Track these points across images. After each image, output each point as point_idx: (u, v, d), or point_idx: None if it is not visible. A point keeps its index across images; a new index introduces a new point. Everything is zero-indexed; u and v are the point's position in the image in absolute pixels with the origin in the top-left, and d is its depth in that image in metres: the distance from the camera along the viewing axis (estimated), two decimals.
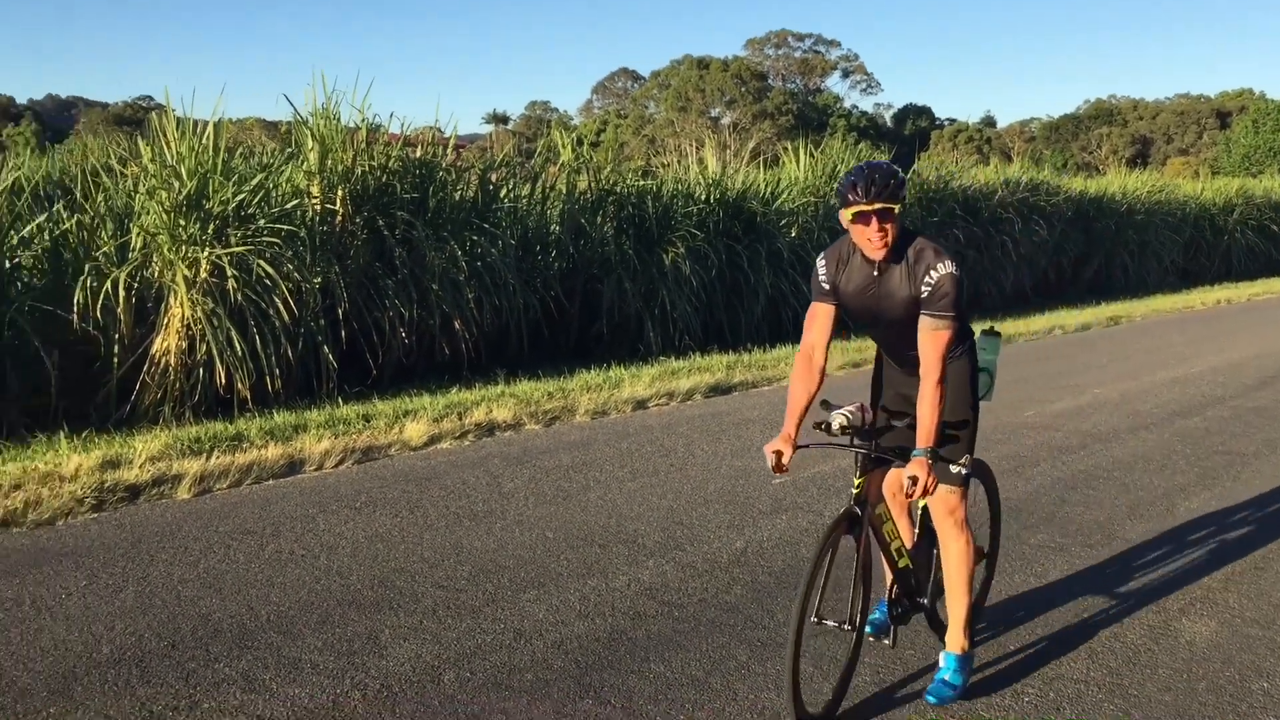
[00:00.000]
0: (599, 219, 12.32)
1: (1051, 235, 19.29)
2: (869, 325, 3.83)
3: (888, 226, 3.45)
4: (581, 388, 9.39)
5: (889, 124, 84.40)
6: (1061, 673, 4.00)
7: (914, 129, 79.38)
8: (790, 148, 16.19)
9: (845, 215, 3.48)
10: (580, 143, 14.24)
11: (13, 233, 8.65)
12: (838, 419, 3.55)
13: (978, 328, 4.04)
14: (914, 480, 3.38)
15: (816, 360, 3.72)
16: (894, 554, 3.77)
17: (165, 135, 9.10)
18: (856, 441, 3.58)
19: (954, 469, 3.69)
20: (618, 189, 12.63)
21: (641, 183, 13.13)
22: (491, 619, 4.34)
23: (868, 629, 3.83)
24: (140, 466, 6.51)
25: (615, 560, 5.08)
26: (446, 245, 10.23)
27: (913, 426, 3.53)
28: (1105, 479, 6.79)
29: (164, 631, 4.14)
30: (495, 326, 10.77)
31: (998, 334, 4.08)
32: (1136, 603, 4.71)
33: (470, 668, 3.88)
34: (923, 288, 3.49)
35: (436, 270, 10.06)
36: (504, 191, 11.84)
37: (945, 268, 3.48)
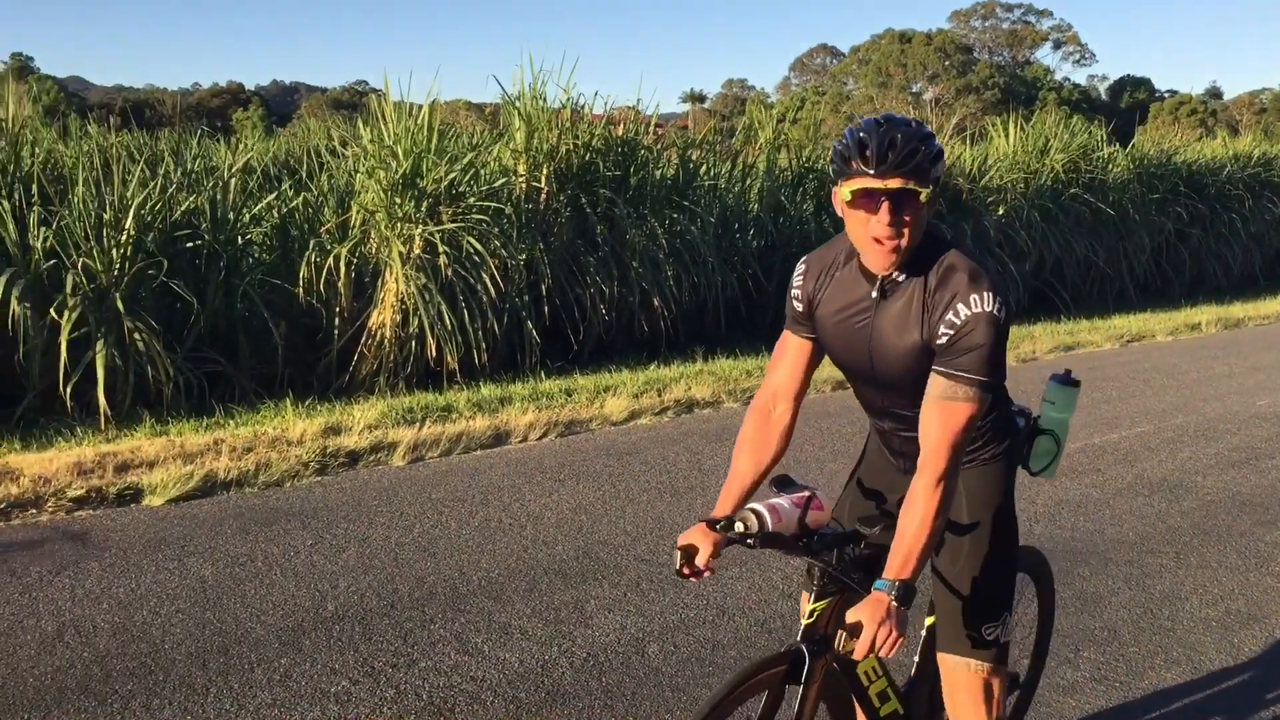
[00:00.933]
0: (798, 196, 12.19)
1: None
2: (855, 378, 2.52)
3: (907, 219, 2.20)
4: None
5: (1104, 97, 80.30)
6: None
7: (1131, 102, 75.24)
8: (999, 122, 15.62)
9: (841, 193, 2.24)
10: (781, 119, 14.10)
11: (245, 210, 9.20)
12: (742, 518, 2.30)
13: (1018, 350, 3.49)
14: (855, 630, 2.07)
15: (779, 417, 2.52)
16: (873, 700, 2.59)
17: (383, 117, 9.48)
18: (815, 551, 2.29)
19: (987, 632, 2.43)
20: (818, 166, 12.45)
21: None
22: (694, 594, 4.36)
23: None
24: (359, 434, 6.84)
25: None
26: (646, 223, 10.32)
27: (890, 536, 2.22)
28: None
29: (383, 591, 4.33)
30: (693, 304, 10.80)
31: (1076, 383, 2.80)
32: None
33: (674, 641, 3.91)
34: (940, 329, 2.23)
35: (637, 247, 10.16)
36: (703, 170, 11.86)
37: (981, 302, 2.20)
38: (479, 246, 9.00)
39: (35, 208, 7.88)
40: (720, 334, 11.03)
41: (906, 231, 2.22)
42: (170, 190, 8.46)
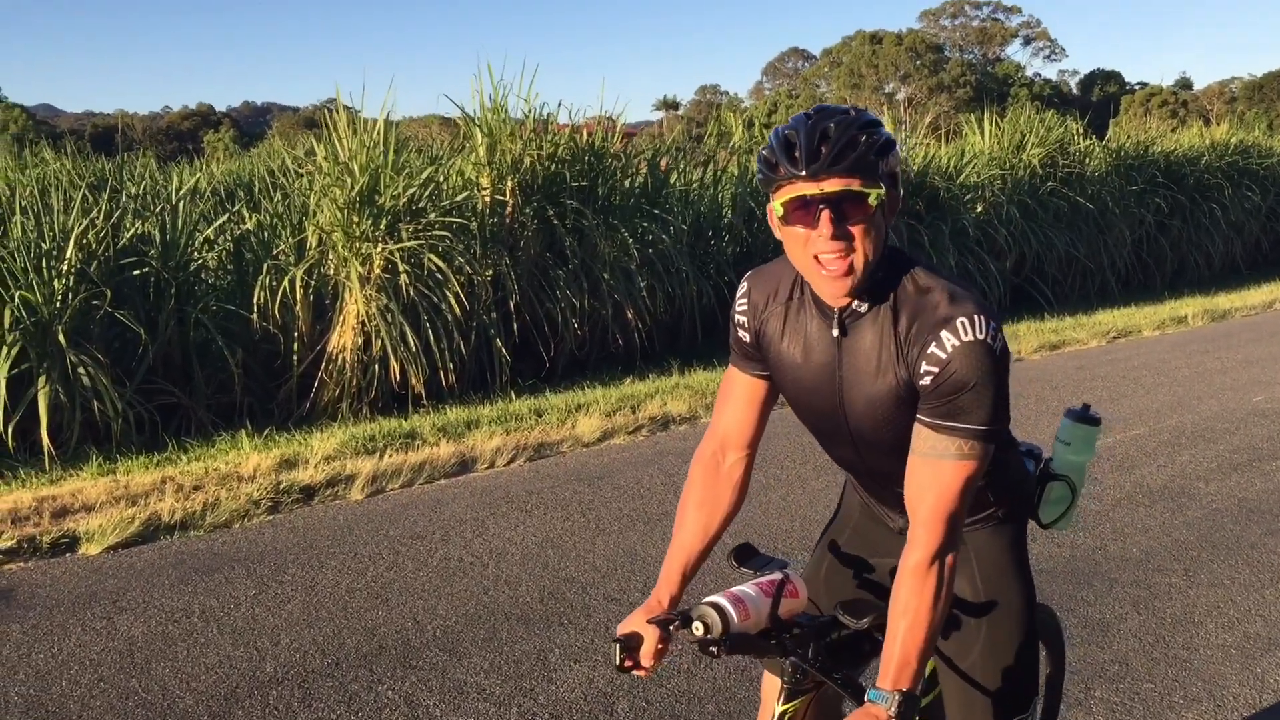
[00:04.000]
0: None
1: (1264, 201, 17.78)
2: (827, 438, 2.06)
3: (856, 230, 1.74)
4: None
5: (1075, 91, 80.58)
6: None
7: (1102, 95, 75.48)
8: (973, 119, 15.36)
9: (773, 209, 1.79)
10: (751, 124, 13.82)
11: (197, 234, 8.82)
12: (702, 616, 1.83)
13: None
14: None
15: (730, 469, 2.09)
16: None
17: (338, 132, 9.12)
18: (790, 650, 1.89)
19: None
20: None
21: None
22: None
23: None
24: (315, 467, 6.47)
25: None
26: (617, 233, 9.98)
27: (882, 627, 1.80)
28: None
29: (328, 647, 3.96)
30: (668, 314, 10.48)
31: (1095, 420, 2.33)
32: None
33: (645, 695, 3.55)
34: (922, 368, 1.77)
35: (607, 259, 9.82)
36: (674, 177, 11.54)
37: (970, 329, 1.73)
38: (441, 264, 8.64)
39: None
40: (697, 344, 10.71)
41: (859, 245, 1.74)
42: (115, 216, 8.08)
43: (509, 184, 9.65)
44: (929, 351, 1.75)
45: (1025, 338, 10.95)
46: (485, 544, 5.11)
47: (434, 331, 8.62)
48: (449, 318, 8.69)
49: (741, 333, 2.03)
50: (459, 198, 9.31)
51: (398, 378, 8.52)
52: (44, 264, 7.49)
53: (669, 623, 1.88)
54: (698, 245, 11.08)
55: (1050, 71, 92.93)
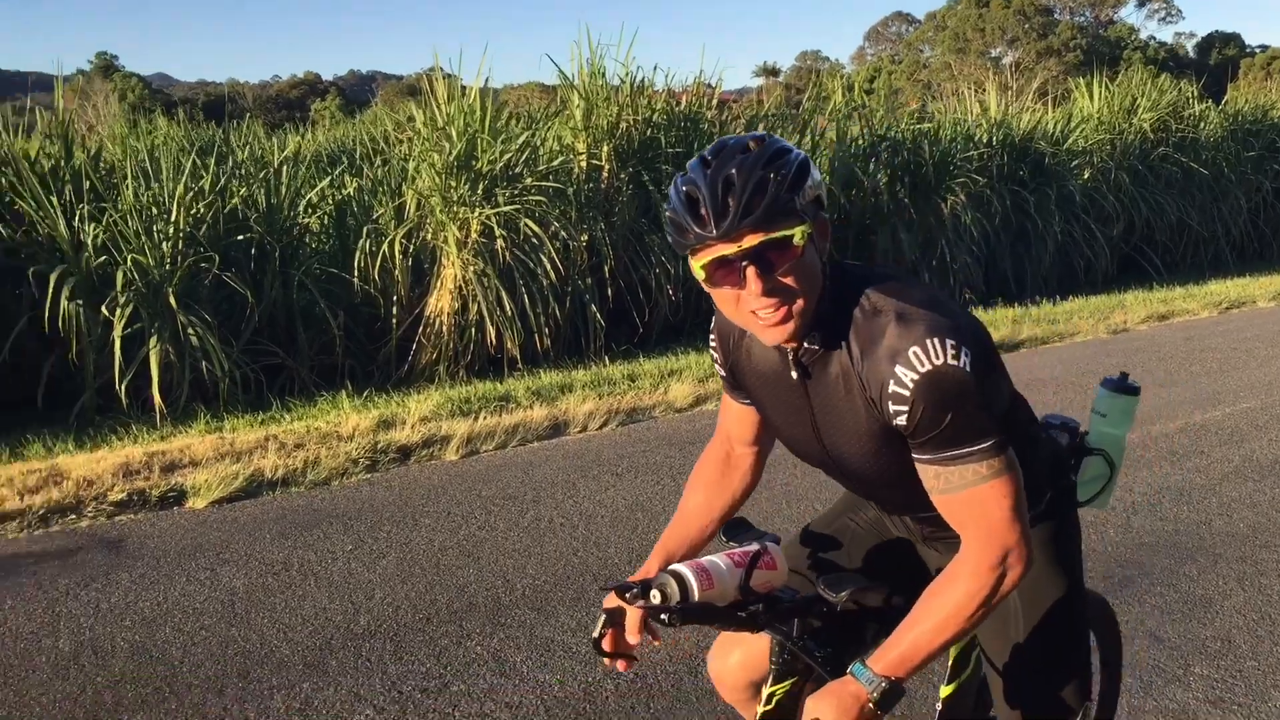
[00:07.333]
0: (871, 167, 11.69)
1: None
2: (832, 474, 1.92)
3: (786, 279, 1.56)
4: None
5: (1191, 55, 77.48)
6: None
7: (1220, 59, 72.46)
8: (1082, 82, 14.89)
9: (694, 267, 1.61)
10: (851, 88, 13.58)
11: (300, 199, 9.00)
12: (661, 584, 1.72)
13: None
14: None
15: (740, 458, 2.05)
16: None
17: (436, 98, 9.21)
18: (761, 624, 1.77)
19: None
20: (891, 134, 11.93)
21: (917, 126, 12.34)
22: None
23: None
24: (412, 427, 6.58)
25: None
26: None
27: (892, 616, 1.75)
28: None
29: (420, 603, 4.04)
30: None
31: (1133, 389, 2.15)
32: None
33: None
34: (891, 408, 1.60)
35: None
36: None
37: (925, 357, 1.55)
38: (537, 229, 8.69)
39: (85, 204, 7.75)
40: None
41: (794, 289, 1.57)
42: (222, 182, 8.29)
43: (605, 149, 9.65)
44: (890, 391, 1.58)
45: (1132, 308, 10.63)
46: (575, 506, 5.15)
47: (529, 296, 8.69)
48: (544, 282, 8.75)
49: (720, 369, 1.95)
50: (555, 163, 9.34)
51: (493, 341, 8.63)
52: (154, 228, 7.73)
53: (626, 590, 1.76)
54: None
55: (1166, 34, 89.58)
